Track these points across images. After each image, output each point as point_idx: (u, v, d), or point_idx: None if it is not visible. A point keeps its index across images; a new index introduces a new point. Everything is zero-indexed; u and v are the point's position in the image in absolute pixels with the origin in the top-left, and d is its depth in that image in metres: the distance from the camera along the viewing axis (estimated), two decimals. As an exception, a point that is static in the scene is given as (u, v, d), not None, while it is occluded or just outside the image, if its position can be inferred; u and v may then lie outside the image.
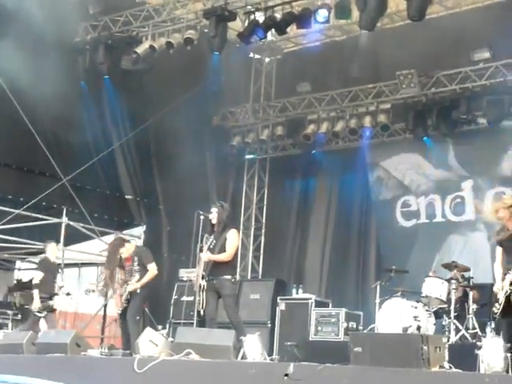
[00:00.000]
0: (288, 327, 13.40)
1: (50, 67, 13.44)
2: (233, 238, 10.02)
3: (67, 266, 15.08)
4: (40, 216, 14.30)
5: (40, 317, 12.25)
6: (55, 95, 13.93)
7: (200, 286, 9.83)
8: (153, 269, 10.78)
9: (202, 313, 9.82)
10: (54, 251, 12.83)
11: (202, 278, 9.87)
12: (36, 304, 12.20)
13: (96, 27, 14.99)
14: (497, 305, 8.25)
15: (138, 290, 10.70)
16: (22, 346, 9.72)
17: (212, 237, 10.00)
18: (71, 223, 14.38)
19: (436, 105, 14.95)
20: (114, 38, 14.82)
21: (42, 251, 15.61)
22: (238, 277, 10.32)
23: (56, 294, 12.48)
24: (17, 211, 13.90)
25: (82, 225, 14.61)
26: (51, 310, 12.44)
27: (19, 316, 14.99)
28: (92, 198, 15.51)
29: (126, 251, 10.96)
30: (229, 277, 9.90)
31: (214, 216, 10.07)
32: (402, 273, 13.13)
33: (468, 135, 15.04)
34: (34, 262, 16.72)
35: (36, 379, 7.53)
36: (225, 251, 9.88)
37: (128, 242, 11.35)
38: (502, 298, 8.18)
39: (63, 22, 13.39)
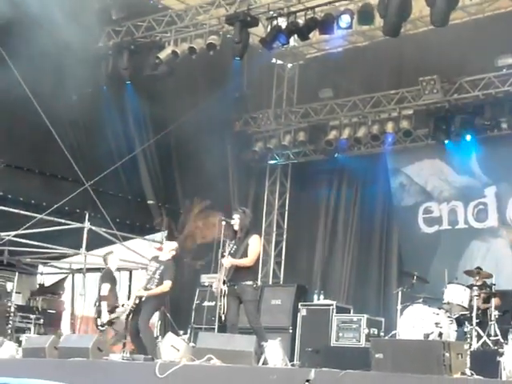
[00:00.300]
0: (309, 333, 13.38)
1: (73, 72, 13.52)
2: (255, 244, 10.03)
3: (89, 270, 15.12)
4: (62, 221, 14.35)
5: (102, 330, 11.78)
6: (77, 100, 14.06)
7: (221, 291, 9.85)
8: (167, 285, 10.73)
9: (223, 318, 9.84)
10: (115, 261, 12.55)
11: (224, 283, 9.88)
12: (104, 318, 11.76)
13: (119, 32, 15.05)
14: None
15: (144, 298, 10.71)
16: (44, 350, 9.76)
17: (233, 242, 10.02)
18: (93, 228, 14.42)
19: (459, 111, 14.89)
20: (137, 44, 14.86)
21: (64, 256, 15.75)
22: (259, 282, 10.32)
23: (117, 307, 11.89)
24: (39, 216, 13.96)
25: (104, 230, 14.65)
26: (111, 323, 11.89)
27: (41, 320, 15.05)
28: (114, 203, 15.55)
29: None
30: (250, 282, 9.90)
31: (236, 222, 10.09)
32: (423, 281, 13.08)
33: (491, 141, 14.96)
34: (56, 267, 16.84)
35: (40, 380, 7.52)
36: (247, 256, 9.90)
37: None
38: None
39: (86, 27, 13.45)
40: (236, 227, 10.10)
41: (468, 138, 14.97)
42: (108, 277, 12.26)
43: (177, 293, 12.07)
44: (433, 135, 15.38)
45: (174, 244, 11.42)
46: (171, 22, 14.75)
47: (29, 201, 14.54)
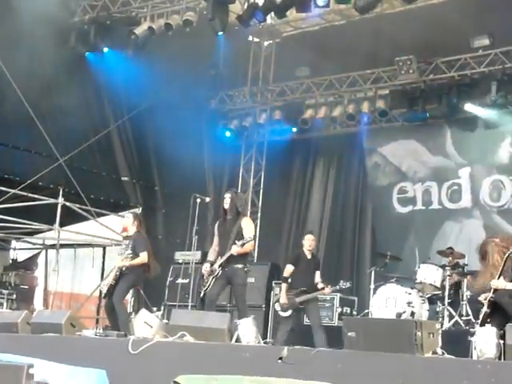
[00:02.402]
0: (282, 311, 13.42)
1: (48, 47, 13.40)
2: (250, 227, 10.20)
3: (63, 246, 15.08)
4: (36, 196, 14.26)
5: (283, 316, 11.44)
6: (52, 76, 13.92)
7: (213, 272, 9.89)
8: (143, 256, 10.75)
9: (202, 293, 9.90)
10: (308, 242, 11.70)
11: (220, 266, 9.94)
12: (282, 299, 11.40)
13: (95, 7, 14.91)
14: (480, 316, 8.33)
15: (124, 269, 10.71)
16: (16, 325, 9.72)
17: (218, 221, 10.06)
18: (67, 204, 14.35)
19: (434, 91, 14.93)
20: (113, 19, 14.75)
21: (37, 231, 15.67)
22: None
23: (306, 292, 11.30)
24: (13, 191, 13.86)
25: (78, 206, 14.59)
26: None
27: (14, 296, 15.00)
28: (88, 179, 15.46)
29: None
30: (241, 265, 9.99)
31: (227, 202, 10.13)
32: (396, 260, 13.18)
33: (466, 123, 15.03)
34: (29, 242, 16.77)
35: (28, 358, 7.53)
36: (242, 237, 9.94)
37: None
38: (485, 307, 8.23)
39: (62, 1, 13.34)
40: (226, 207, 10.13)
41: (443, 118, 15.04)
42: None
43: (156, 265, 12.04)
44: (408, 115, 15.43)
45: (130, 216, 11.34)
46: (147, -2, 14.65)
47: (2, 175, 14.41)
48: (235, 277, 9.93)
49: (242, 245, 9.87)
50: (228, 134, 17.47)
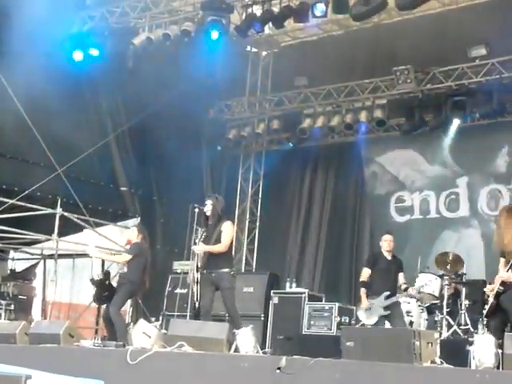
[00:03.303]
0: (281, 321, 13.46)
1: (46, 57, 13.42)
2: (228, 230, 10.07)
3: (61, 256, 15.06)
4: (34, 206, 14.26)
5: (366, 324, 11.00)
6: (50, 85, 13.91)
7: (194, 279, 9.87)
8: (124, 256, 11.01)
9: (197, 305, 9.87)
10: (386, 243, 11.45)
11: (197, 270, 9.91)
12: (364, 304, 11.10)
13: (93, 18, 14.95)
14: (486, 306, 8.33)
15: (125, 269, 10.81)
16: (14, 336, 9.71)
17: (203, 230, 10.04)
18: (65, 214, 14.36)
19: (432, 101, 14.98)
20: (111, 29, 14.78)
21: (36, 241, 15.66)
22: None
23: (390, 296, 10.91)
24: (11, 201, 13.87)
25: (76, 215, 14.59)
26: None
27: (12, 306, 14.96)
28: (86, 189, 15.45)
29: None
30: (227, 270, 9.96)
31: (208, 208, 10.12)
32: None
33: (464, 132, 15.06)
34: (27, 253, 16.74)
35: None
36: (220, 243, 9.93)
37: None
38: (490, 298, 8.24)
39: (61, 12, 13.35)
40: (208, 213, 10.13)
41: (440, 128, 15.07)
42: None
43: (149, 279, 12.04)
44: (406, 125, 15.46)
45: (135, 229, 11.41)
46: (146, 8, 14.67)
47: (0, 186, 14.42)
48: (222, 281, 9.91)
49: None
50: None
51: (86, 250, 11.17)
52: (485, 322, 10.08)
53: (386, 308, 10.85)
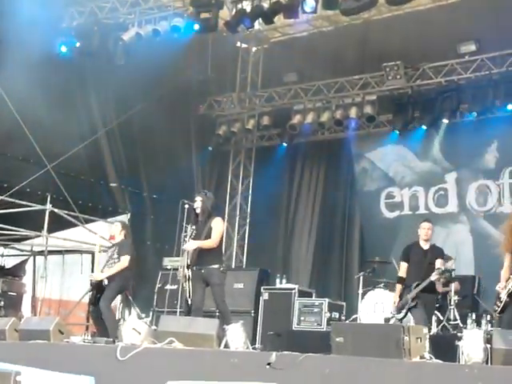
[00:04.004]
0: (271, 317, 13.45)
1: (35, 52, 13.37)
2: (218, 226, 10.07)
3: (51, 252, 15.04)
4: (24, 202, 14.22)
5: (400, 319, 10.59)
6: (40, 81, 13.87)
7: (185, 276, 9.88)
8: (125, 260, 10.82)
9: (189, 302, 9.88)
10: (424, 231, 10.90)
11: (188, 267, 9.91)
12: (395, 299, 10.85)
13: (82, 13, 14.91)
14: (498, 302, 8.35)
15: (106, 282, 10.72)
16: (4, 332, 9.69)
17: (194, 226, 10.03)
18: (55, 210, 14.32)
19: (422, 97, 15.01)
20: (101, 25, 14.74)
21: (25, 238, 15.62)
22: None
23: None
24: (0, 197, 13.83)
25: (65, 212, 14.55)
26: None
27: (2, 303, 14.93)
28: (76, 185, 15.42)
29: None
30: (217, 266, 9.95)
31: (198, 205, 10.11)
32: (385, 264, 13.22)
33: (453, 128, 15.09)
34: (17, 249, 16.70)
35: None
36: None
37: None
38: (504, 296, 8.27)
39: (50, 7, 13.31)
40: (198, 210, 10.12)
41: (430, 123, 15.10)
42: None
43: (139, 275, 12.05)
44: (396, 121, 15.49)
45: (118, 224, 11.40)
46: (135, 4, 14.63)
47: (-11, 182, 14.39)
48: (212, 277, 9.91)
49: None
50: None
51: (92, 280, 11.06)
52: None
53: (413, 299, 10.52)
